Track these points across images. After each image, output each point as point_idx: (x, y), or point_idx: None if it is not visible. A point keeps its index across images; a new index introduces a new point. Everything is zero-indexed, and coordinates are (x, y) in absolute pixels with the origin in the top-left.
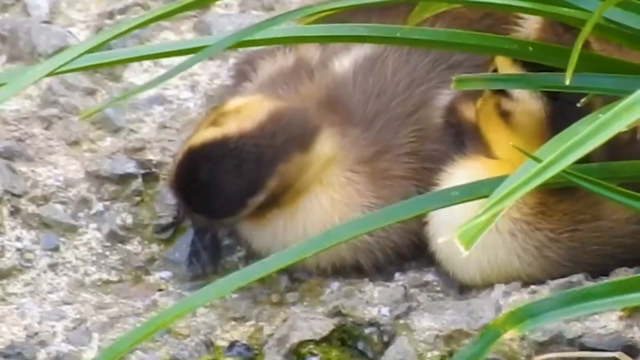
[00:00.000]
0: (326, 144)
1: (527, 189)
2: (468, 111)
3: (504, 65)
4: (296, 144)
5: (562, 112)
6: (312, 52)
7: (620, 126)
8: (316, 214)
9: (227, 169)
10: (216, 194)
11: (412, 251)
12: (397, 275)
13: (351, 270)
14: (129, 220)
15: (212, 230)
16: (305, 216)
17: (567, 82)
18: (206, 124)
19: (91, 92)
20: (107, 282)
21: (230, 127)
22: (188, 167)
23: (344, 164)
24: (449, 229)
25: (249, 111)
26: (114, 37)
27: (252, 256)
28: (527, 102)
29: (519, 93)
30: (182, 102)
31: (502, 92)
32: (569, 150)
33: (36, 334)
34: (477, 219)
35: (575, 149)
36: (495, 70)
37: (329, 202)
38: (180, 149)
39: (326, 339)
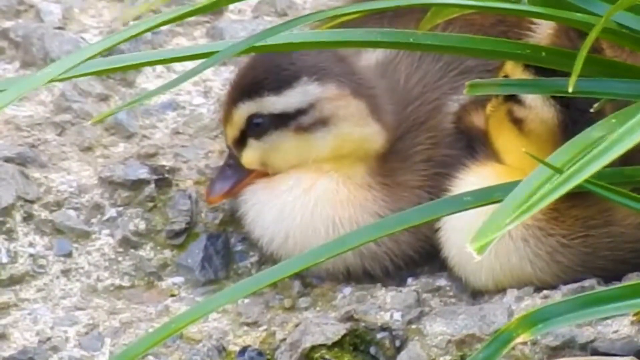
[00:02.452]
0: (380, 135)
1: (551, 199)
2: (477, 118)
3: (515, 71)
4: (371, 98)
5: (574, 119)
6: None
7: None
8: (328, 200)
9: (303, 53)
10: (279, 58)
11: (421, 257)
12: (409, 280)
13: (360, 274)
14: (142, 226)
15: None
16: (318, 197)
17: (570, 89)
18: None
19: (104, 98)
20: (120, 288)
21: None
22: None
23: (371, 169)
24: (461, 235)
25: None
26: (124, 40)
27: (264, 261)
28: (539, 109)
29: (532, 100)
30: (195, 107)
31: (514, 99)
32: (592, 160)
33: (49, 339)
34: (498, 228)
35: (599, 158)
36: (506, 76)
37: (345, 194)
38: None
39: (338, 344)
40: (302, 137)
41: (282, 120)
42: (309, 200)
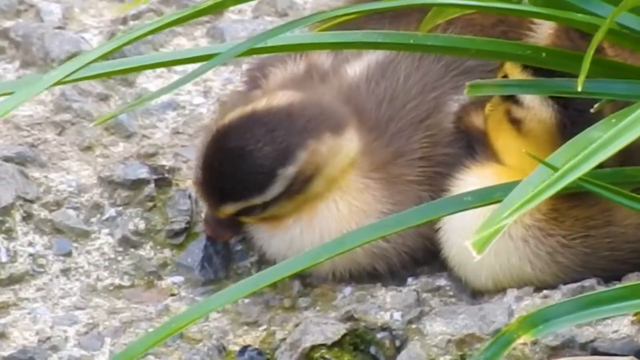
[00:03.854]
0: (354, 139)
1: (546, 195)
2: (477, 118)
3: (514, 72)
4: (328, 124)
5: (573, 119)
6: (323, 58)
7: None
8: (334, 220)
9: (258, 138)
10: (247, 162)
11: (425, 256)
12: (409, 280)
13: (365, 275)
14: (142, 225)
15: (235, 231)
16: (323, 222)
17: (579, 89)
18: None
19: (104, 98)
20: (120, 287)
21: (259, 103)
22: (218, 143)
23: (361, 170)
24: (462, 234)
25: (277, 95)
26: (127, 43)
27: (264, 261)
28: (537, 109)
29: (530, 100)
30: (194, 107)
31: (512, 99)
32: (588, 157)
33: (48, 338)
34: (496, 223)
35: (594, 155)
36: (505, 76)
37: (347, 208)
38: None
39: (338, 344)
40: (297, 197)
41: (273, 200)
42: (314, 230)
